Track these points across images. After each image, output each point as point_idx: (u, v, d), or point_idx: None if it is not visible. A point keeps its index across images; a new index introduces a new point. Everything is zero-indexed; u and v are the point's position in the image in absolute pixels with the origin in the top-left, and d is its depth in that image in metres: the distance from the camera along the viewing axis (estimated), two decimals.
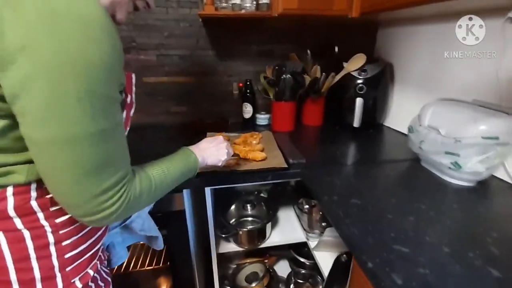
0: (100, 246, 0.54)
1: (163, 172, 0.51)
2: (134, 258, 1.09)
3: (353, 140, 1.15)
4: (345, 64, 1.19)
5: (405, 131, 1.17)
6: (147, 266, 1.07)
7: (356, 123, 1.19)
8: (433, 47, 1.01)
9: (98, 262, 0.53)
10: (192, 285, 1.00)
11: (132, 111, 0.51)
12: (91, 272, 0.50)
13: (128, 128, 0.55)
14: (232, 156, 0.79)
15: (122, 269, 1.03)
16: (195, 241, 0.98)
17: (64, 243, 0.45)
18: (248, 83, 1.27)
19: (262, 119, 1.32)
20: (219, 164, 0.70)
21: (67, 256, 0.45)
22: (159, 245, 0.83)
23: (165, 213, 0.85)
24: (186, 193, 0.87)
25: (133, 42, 1.18)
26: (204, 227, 0.94)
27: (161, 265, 1.08)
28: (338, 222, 0.60)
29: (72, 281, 0.47)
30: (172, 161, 0.56)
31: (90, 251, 0.50)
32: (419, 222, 0.61)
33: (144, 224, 0.76)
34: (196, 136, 1.14)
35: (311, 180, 0.80)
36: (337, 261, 0.71)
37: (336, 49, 1.24)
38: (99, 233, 0.52)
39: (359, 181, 0.80)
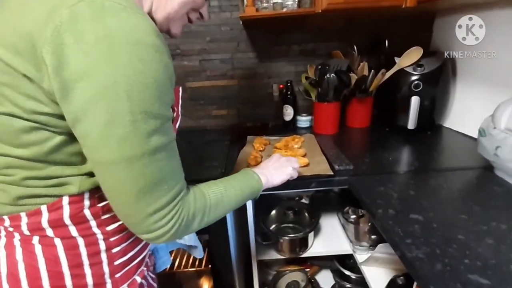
0: (147, 253, 0.55)
1: (220, 192, 0.50)
2: (178, 259, 1.13)
3: (408, 144, 1.04)
4: (397, 60, 1.07)
5: (471, 133, 1.02)
6: (190, 267, 1.10)
7: (410, 125, 1.06)
8: (506, 35, 0.85)
9: (145, 268, 0.54)
10: None
11: (178, 123, 0.51)
12: (138, 279, 0.51)
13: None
14: None
15: (167, 269, 1.07)
16: (236, 247, 0.98)
17: (114, 250, 0.46)
18: (288, 84, 1.23)
19: (303, 121, 1.27)
20: (289, 178, 0.68)
21: (116, 263, 0.47)
22: (199, 253, 0.84)
23: None
24: None
25: (177, 49, 1.22)
26: (245, 233, 0.93)
27: (203, 267, 1.10)
28: (397, 242, 0.53)
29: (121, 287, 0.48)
30: (231, 181, 0.54)
31: (137, 257, 0.51)
32: (500, 246, 0.50)
33: None
34: (237, 139, 1.15)
35: (361, 189, 0.73)
36: (392, 283, 0.63)
37: (386, 43, 1.13)
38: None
39: (419, 192, 0.70)
